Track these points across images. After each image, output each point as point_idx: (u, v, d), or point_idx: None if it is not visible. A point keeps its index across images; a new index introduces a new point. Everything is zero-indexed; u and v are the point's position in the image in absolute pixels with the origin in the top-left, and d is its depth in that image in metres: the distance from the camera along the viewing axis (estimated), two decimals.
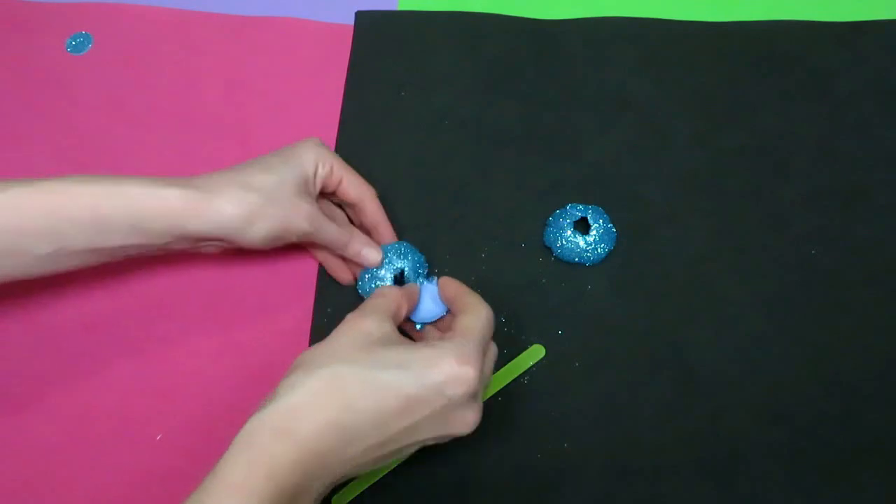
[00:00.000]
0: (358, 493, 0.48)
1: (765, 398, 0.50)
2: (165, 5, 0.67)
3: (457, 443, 0.49)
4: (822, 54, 0.62)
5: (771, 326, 0.52)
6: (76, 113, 0.62)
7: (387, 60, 0.63)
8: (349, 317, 0.42)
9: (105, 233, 0.44)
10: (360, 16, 0.65)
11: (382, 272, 0.51)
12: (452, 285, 0.46)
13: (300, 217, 0.47)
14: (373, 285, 0.51)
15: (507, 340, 0.52)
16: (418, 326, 0.49)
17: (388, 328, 0.41)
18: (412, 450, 0.41)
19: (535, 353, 0.52)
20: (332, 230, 0.49)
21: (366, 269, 0.52)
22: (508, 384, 0.51)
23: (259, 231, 0.46)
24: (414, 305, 0.47)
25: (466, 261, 0.55)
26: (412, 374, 0.38)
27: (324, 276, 0.55)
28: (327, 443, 0.37)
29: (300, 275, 0.55)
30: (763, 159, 0.58)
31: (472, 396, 0.40)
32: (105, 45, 0.66)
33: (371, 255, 0.51)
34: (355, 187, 0.52)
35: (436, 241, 0.55)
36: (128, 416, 0.51)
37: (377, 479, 0.48)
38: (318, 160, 0.50)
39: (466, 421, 0.40)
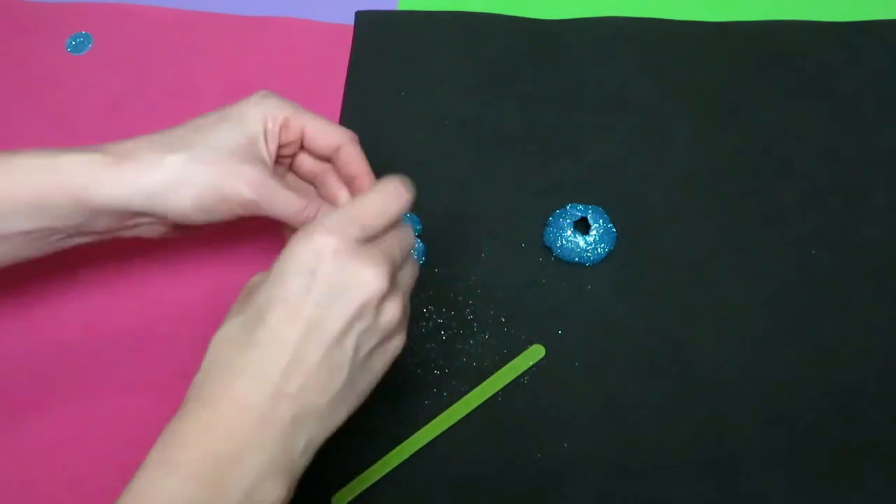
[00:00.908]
0: (358, 493, 0.48)
1: (765, 398, 0.50)
2: (165, 5, 0.67)
3: (457, 443, 0.49)
4: (822, 54, 0.62)
5: (771, 326, 0.52)
6: (76, 113, 0.62)
7: (387, 60, 0.63)
8: (304, 233, 0.37)
9: (3, 217, 0.39)
10: (360, 16, 0.65)
11: None
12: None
13: (239, 181, 0.41)
14: None
15: (507, 340, 0.52)
16: None
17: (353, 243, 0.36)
18: (368, 368, 0.38)
19: (535, 353, 0.52)
20: (284, 197, 0.42)
21: None
22: (508, 384, 0.51)
23: (184, 198, 0.40)
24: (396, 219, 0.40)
25: (466, 261, 0.55)
26: (270, 280, 0.36)
27: None
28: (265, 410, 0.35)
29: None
30: (763, 159, 0.58)
31: (347, 259, 0.35)
32: (105, 45, 0.66)
33: None
34: (325, 135, 0.44)
35: (436, 241, 0.55)
36: (128, 416, 0.51)
37: (377, 479, 0.48)
38: (267, 115, 0.43)
39: (392, 344, 0.38)
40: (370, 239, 0.37)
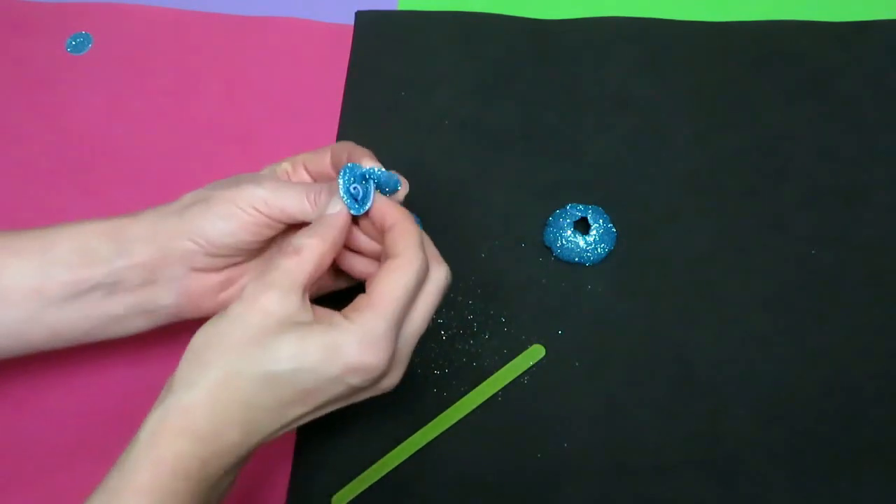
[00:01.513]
0: (358, 492, 0.48)
1: (765, 398, 0.50)
2: (165, 5, 0.67)
3: (457, 443, 0.49)
4: (822, 54, 0.62)
5: (771, 326, 0.52)
6: (76, 113, 0.62)
7: (387, 60, 0.63)
8: (250, 289, 0.37)
9: (46, 265, 0.40)
10: (360, 16, 0.65)
11: None
12: (392, 212, 0.40)
13: (253, 182, 0.41)
14: None
15: (507, 340, 0.52)
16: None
17: (293, 303, 0.37)
18: (329, 410, 0.39)
19: (535, 353, 0.52)
20: (294, 187, 0.41)
21: None
22: (508, 384, 0.51)
23: (220, 213, 0.41)
24: (340, 245, 0.40)
25: (466, 261, 0.55)
26: (308, 367, 0.36)
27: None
28: (229, 438, 0.36)
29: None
30: (763, 159, 0.58)
31: (381, 377, 0.38)
32: (105, 45, 0.65)
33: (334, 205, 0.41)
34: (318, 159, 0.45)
35: (436, 241, 0.55)
36: (127, 416, 0.51)
37: (377, 479, 0.48)
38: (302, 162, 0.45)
39: (382, 388, 0.39)
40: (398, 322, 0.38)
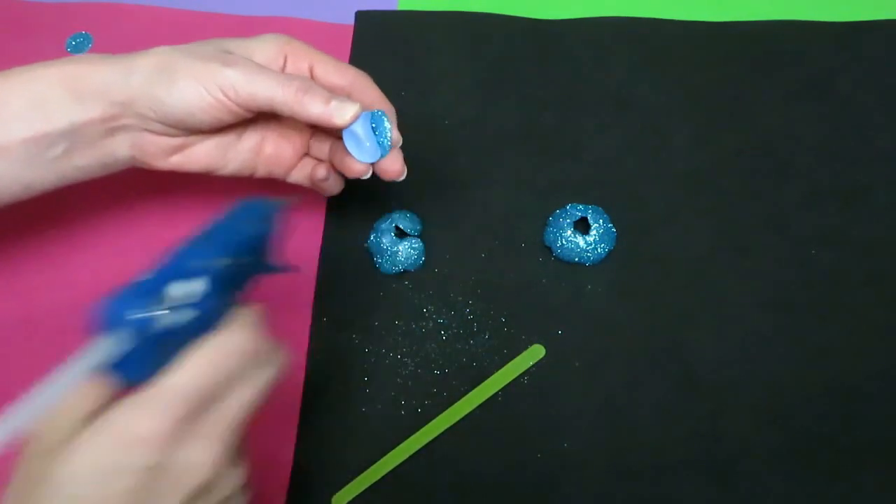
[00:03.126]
0: (358, 492, 0.48)
1: (765, 398, 0.50)
2: (165, 5, 0.67)
3: (457, 443, 0.49)
4: (822, 54, 0.62)
5: (771, 326, 0.52)
6: None
7: (387, 60, 0.63)
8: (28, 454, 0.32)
9: (45, 107, 0.40)
10: (360, 16, 0.65)
11: (384, 225, 0.52)
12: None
13: (222, 61, 0.39)
14: (380, 248, 0.51)
15: (507, 340, 0.52)
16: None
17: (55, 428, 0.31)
18: None
19: (535, 353, 0.52)
20: (272, 75, 0.40)
21: (373, 229, 0.51)
22: (508, 384, 0.51)
23: (183, 91, 0.39)
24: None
25: (466, 261, 0.55)
26: (97, 471, 0.30)
27: (323, 278, 0.55)
28: None
29: (300, 277, 0.55)
30: (763, 159, 0.58)
31: (171, 451, 0.31)
32: (105, 45, 0.65)
33: (345, 105, 0.40)
34: (337, 73, 0.44)
35: (436, 241, 0.55)
36: None
37: (377, 479, 0.48)
38: (283, 46, 0.43)
39: (192, 472, 0.31)
40: (203, 406, 0.32)
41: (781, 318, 0.52)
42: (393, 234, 0.54)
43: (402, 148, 0.60)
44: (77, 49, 0.65)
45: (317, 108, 0.40)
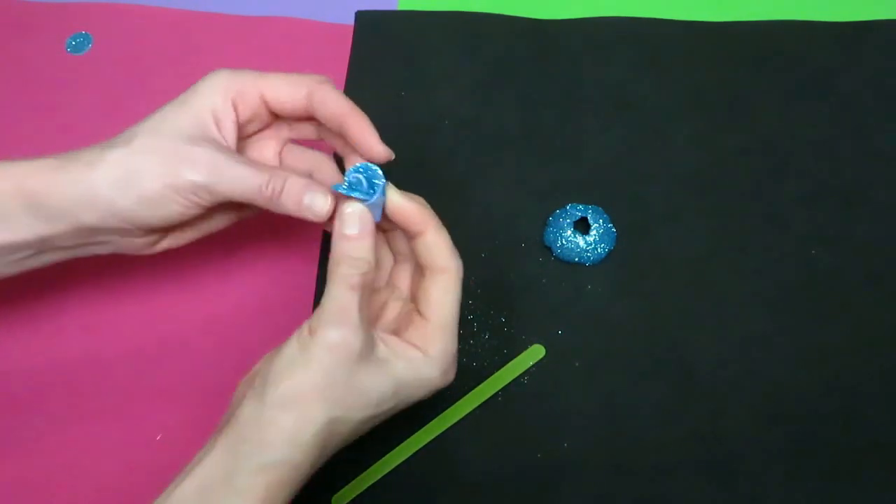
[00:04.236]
0: (358, 492, 0.48)
1: (765, 398, 0.50)
2: (165, 5, 0.67)
3: (457, 442, 0.49)
4: (822, 54, 0.62)
5: (771, 326, 0.52)
6: (76, 113, 0.62)
7: (387, 60, 0.63)
8: (324, 333, 0.37)
9: (7, 220, 0.38)
10: (360, 16, 0.65)
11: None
12: (418, 218, 0.41)
13: (184, 165, 0.37)
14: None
15: (507, 340, 0.52)
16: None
17: (364, 334, 0.38)
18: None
19: (535, 353, 0.52)
20: (241, 174, 0.38)
21: None
22: (508, 384, 0.51)
23: (131, 195, 0.37)
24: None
25: (466, 261, 0.54)
26: (399, 398, 0.40)
27: (324, 278, 0.54)
28: (324, 455, 0.40)
29: (300, 277, 0.55)
30: (763, 159, 0.58)
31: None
32: (105, 45, 0.66)
33: (316, 200, 0.39)
34: (288, 89, 0.41)
35: None
36: (128, 416, 0.51)
37: (377, 479, 0.48)
38: (216, 91, 0.40)
39: (449, 380, 0.43)
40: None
41: (781, 318, 0.52)
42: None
43: (402, 147, 0.60)
44: (77, 49, 0.65)
45: (291, 209, 0.40)
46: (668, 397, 0.50)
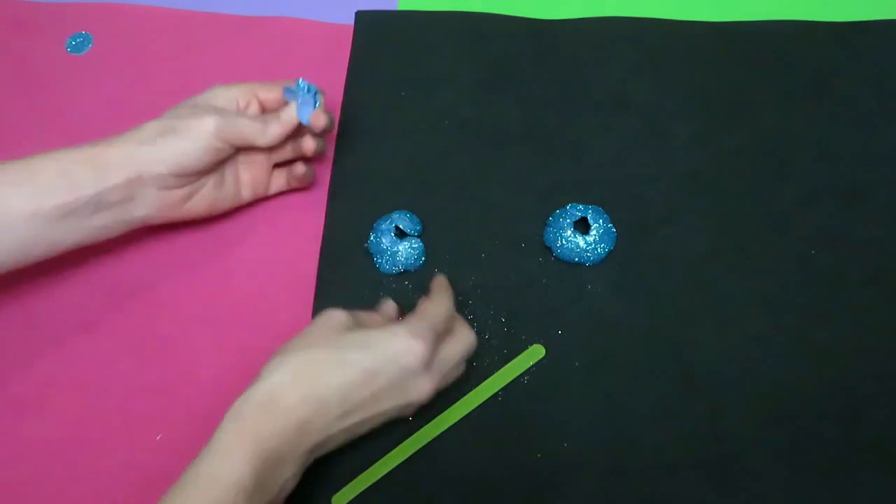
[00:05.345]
0: (358, 492, 0.48)
1: (765, 398, 0.50)
2: (165, 5, 0.67)
3: (457, 443, 0.49)
4: (822, 54, 0.62)
5: (771, 326, 0.52)
6: (76, 113, 0.62)
7: (387, 60, 0.63)
8: (325, 310, 0.46)
9: (37, 192, 0.46)
10: (360, 16, 0.65)
11: (384, 226, 0.54)
12: (442, 280, 0.51)
13: (204, 116, 0.49)
14: (380, 248, 0.54)
15: (507, 340, 0.52)
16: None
17: (354, 323, 0.46)
18: (378, 420, 0.45)
19: (535, 353, 0.52)
20: (244, 121, 0.51)
21: (373, 229, 0.54)
22: (508, 384, 0.51)
23: (186, 143, 0.49)
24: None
25: (466, 261, 0.55)
26: (371, 350, 0.43)
27: (324, 277, 0.55)
28: (303, 414, 0.41)
29: (300, 275, 0.55)
30: (763, 159, 0.58)
31: (424, 366, 0.44)
32: (105, 45, 0.66)
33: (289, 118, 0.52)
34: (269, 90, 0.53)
35: (436, 241, 0.55)
36: (128, 416, 0.51)
37: (377, 479, 0.48)
38: (233, 98, 0.52)
39: (420, 389, 0.45)
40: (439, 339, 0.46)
41: (781, 318, 0.52)
42: (393, 234, 0.54)
43: (402, 147, 0.60)
44: (77, 49, 0.65)
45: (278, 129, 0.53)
46: (668, 397, 0.50)
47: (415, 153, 0.59)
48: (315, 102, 0.52)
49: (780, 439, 0.49)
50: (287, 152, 0.56)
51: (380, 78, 0.62)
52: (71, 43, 0.66)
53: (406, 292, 0.54)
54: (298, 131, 0.54)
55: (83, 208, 0.47)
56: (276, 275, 0.55)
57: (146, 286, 0.55)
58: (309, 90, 0.52)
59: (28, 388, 0.52)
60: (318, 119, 0.52)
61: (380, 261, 0.54)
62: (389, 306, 0.51)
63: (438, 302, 0.47)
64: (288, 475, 0.42)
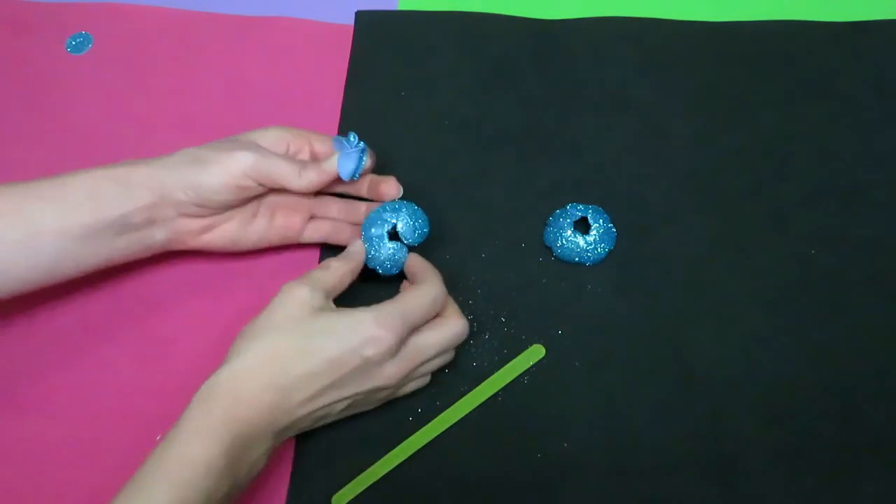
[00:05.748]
0: (358, 492, 0.48)
1: (765, 398, 0.50)
2: (165, 5, 0.67)
3: (457, 443, 0.49)
4: (822, 54, 0.62)
5: (771, 326, 0.52)
6: (76, 113, 0.62)
7: (387, 60, 0.63)
8: (286, 285, 0.45)
9: (67, 209, 0.46)
10: (360, 16, 0.65)
11: (374, 230, 0.51)
12: (417, 261, 0.50)
13: (240, 153, 0.48)
14: (370, 248, 0.51)
15: (507, 340, 0.52)
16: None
17: (321, 298, 0.45)
18: (343, 405, 0.45)
19: (535, 353, 0.52)
20: (278, 162, 0.49)
21: (363, 231, 0.51)
22: (508, 384, 0.51)
23: (213, 174, 0.48)
24: (357, 272, 0.50)
25: (466, 261, 0.55)
26: (335, 338, 0.43)
27: None
28: (268, 399, 0.42)
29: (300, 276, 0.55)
30: (763, 159, 0.58)
31: (389, 355, 0.44)
32: (105, 45, 0.66)
33: (329, 164, 0.50)
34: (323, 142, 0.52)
35: (436, 241, 0.55)
36: (128, 416, 0.51)
37: (377, 479, 0.48)
38: (281, 139, 0.51)
39: (386, 374, 0.45)
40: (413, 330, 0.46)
41: (781, 318, 0.52)
42: (387, 232, 0.51)
43: (402, 147, 0.60)
44: (77, 49, 0.65)
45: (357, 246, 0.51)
46: (668, 397, 0.50)
47: (415, 153, 0.59)
48: (361, 159, 0.50)
49: (780, 439, 0.49)
50: (331, 209, 0.54)
51: (380, 78, 0.62)
52: (71, 43, 0.66)
53: None
54: (340, 185, 0.53)
55: (108, 228, 0.47)
56: (277, 275, 0.55)
57: (146, 286, 0.55)
58: (356, 145, 0.51)
59: (29, 390, 0.52)
60: (360, 184, 0.52)
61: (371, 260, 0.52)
62: (357, 247, 0.50)
63: (421, 290, 0.47)
64: (256, 455, 0.42)
